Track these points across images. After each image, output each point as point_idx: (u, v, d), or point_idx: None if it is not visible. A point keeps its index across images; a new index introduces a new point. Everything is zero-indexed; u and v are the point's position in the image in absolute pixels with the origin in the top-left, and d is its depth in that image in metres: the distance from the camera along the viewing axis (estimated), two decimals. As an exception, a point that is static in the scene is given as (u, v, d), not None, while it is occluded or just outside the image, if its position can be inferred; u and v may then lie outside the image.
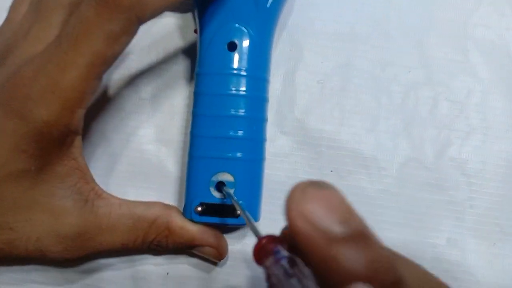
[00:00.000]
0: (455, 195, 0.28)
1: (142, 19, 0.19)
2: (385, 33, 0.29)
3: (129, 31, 0.19)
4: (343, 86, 0.29)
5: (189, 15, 0.29)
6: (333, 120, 0.28)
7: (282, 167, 0.28)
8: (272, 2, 0.25)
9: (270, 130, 0.28)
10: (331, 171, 0.28)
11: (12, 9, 0.24)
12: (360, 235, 0.12)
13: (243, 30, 0.25)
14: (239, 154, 0.24)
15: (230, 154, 0.24)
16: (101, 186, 0.25)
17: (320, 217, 0.12)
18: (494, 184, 0.28)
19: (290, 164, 0.28)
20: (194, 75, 0.25)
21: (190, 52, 0.29)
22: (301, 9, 0.29)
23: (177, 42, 0.29)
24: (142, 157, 0.28)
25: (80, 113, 0.21)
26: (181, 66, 0.29)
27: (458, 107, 0.29)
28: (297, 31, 0.29)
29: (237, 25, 0.25)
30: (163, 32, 0.29)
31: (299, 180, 0.28)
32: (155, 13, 0.19)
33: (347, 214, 0.13)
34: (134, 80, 0.29)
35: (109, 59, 0.20)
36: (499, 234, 0.28)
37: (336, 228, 0.12)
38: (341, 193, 0.14)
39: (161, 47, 0.29)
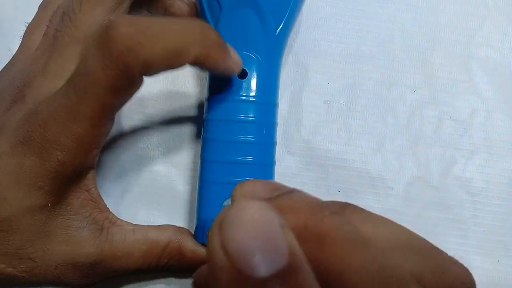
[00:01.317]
0: (460, 213, 0.29)
1: (147, 75, 0.20)
2: (390, 54, 0.30)
3: (136, 85, 0.20)
4: (349, 106, 0.29)
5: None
6: (340, 140, 0.29)
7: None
8: (280, 30, 0.25)
9: (278, 150, 0.29)
10: (339, 191, 0.29)
11: (26, 36, 0.25)
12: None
13: (252, 58, 0.25)
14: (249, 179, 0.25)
15: (240, 179, 0.25)
16: (113, 208, 0.26)
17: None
18: (497, 202, 0.29)
19: (298, 184, 0.29)
20: (204, 100, 0.26)
21: (200, 77, 0.29)
22: (307, 30, 0.30)
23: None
24: (153, 178, 0.29)
25: (95, 152, 0.21)
26: (191, 89, 0.29)
27: (463, 126, 0.29)
28: (303, 52, 0.30)
29: (246, 52, 0.25)
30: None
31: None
32: (159, 71, 0.20)
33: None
34: (144, 101, 0.29)
35: (119, 106, 0.20)
36: (502, 251, 0.28)
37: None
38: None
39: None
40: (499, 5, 0.31)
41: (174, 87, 0.29)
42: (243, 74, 0.25)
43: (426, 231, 0.28)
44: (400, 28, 0.30)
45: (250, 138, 0.25)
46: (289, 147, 0.29)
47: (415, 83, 0.30)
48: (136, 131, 0.29)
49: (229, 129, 0.25)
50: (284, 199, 0.14)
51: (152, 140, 0.29)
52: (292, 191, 0.15)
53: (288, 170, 0.29)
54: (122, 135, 0.29)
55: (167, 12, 0.28)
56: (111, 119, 0.21)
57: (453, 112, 0.30)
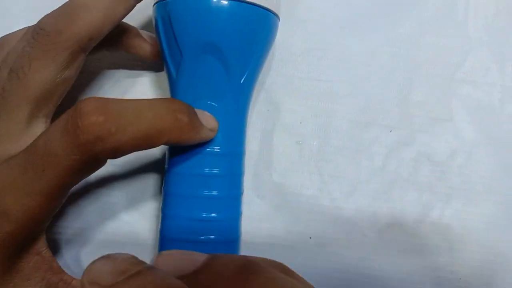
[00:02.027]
0: (436, 261, 0.28)
1: (113, 158, 0.19)
2: (366, 92, 0.29)
3: (99, 166, 0.19)
4: (322, 147, 0.28)
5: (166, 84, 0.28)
6: (312, 184, 0.28)
7: (258, 233, 0.28)
8: (246, 78, 0.24)
9: (247, 194, 0.28)
10: (310, 237, 0.28)
11: None
12: None
13: (215, 107, 0.24)
14: (212, 237, 0.24)
15: (202, 237, 0.24)
16: (74, 257, 0.25)
17: None
18: (475, 249, 0.28)
19: (267, 230, 0.28)
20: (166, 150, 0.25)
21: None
22: (279, 66, 0.29)
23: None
24: (116, 225, 0.28)
25: (46, 222, 0.20)
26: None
27: (441, 168, 0.28)
28: (275, 89, 0.29)
29: (209, 102, 0.24)
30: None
31: (277, 247, 0.28)
32: (127, 154, 0.19)
33: None
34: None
35: (78, 182, 0.20)
36: (479, 300, 0.28)
37: None
38: None
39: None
40: (482, 38, 0.29)
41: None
42: (207, 125, 0.24)
43: (400, 279, 0.27)
44: (377, 64, 0.29)
45: (215, 193, 0.24)
46: (259, 191, 0.28)
47: (391, 123, 0.28)
48: (99, 177, 0.28)
49: (192, 183, 0.24)
50: (128, 284, 0.14)
51: (116, 187, 0.28)
52: (141, 273, 0.14)
53: (257, 215, 0.28)
54: (85, 182, 0.28)
55: (128, 52, 0.26)
56: (68, 193, 0.20)
57: (431, 153, 0.28)
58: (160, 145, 0.20)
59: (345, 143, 0.28)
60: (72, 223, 0.28)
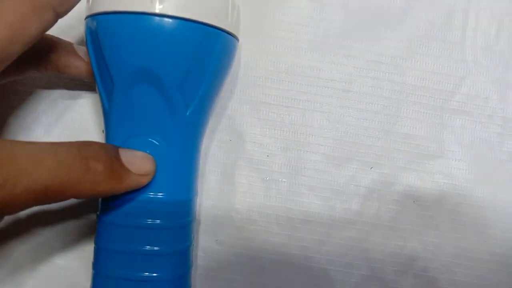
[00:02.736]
0: (420, 320, 0.24)
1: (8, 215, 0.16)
2: (343, 122, 0.25)
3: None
4: (291, 187, 0.25)
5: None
6: (279, 229, 0.24)
7: (217, 284, 0.24)
8: (193, 110, 0.20)
9: (204, 239, 0.24)
10: (276, 291, 0.24)
11: None
12: None
13: (156, 145, 0.20)
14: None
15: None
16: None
17: None
18: (465, 307, 0.24)
19: (227, 281, 0.24)
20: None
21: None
22: (243, 91, 0.25)
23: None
24: (52, 272, 0.24)
25: None
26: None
27: (429, 213, 0.25)
28: (239, 117, 0.25)
29: (149, 139, 0.20)
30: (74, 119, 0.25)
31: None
32: (16, 211, 0.16)
33: None
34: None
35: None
36: None
37: None
38: None
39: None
40: (481, 61, 0.25)
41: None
42: (146, 167, 0.20)
43: None
44: (357, 91, 0.25)
45: (156, 248, 0.20)
46: (218, 235, 0.24)
47: (372, 159, 0.25)
48: (32, 217, 0.24)
49: (128, 236, 0.20)
50: None
51: (50, 225, 0.24)
52: None
53: (215, 263, 0.24)
54: (17, 223, 0.24)
55: (61, 72, 0.22)
56: None
57: (418, 195, 0.25)
58: (67, 199, 0.16)
59: (317, 181, 0.25)
60: (1, 269, 0.24)
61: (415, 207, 0.25)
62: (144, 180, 0.19)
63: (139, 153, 0.19)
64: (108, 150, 0.18)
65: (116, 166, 0.18)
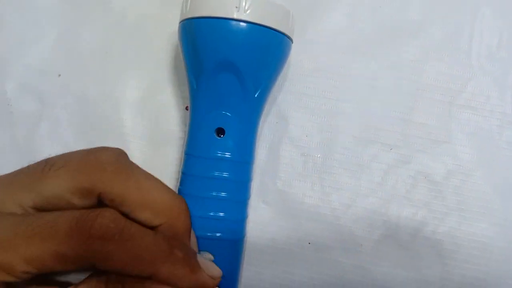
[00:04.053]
0: (428, 274, 0.30)
1: None
2: (369, 111, 0.31)
3: None
4: (325, 161, 0.31)
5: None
6: (314, 194, 0.30)
7: (262, 235, 0.30)
8: (259, 93, 0.27)
9: (253, 199, 0.30)
10: (309, 243, 0.30)
11: None
12: None
13: (230, 117, 0.27)
14: (219, 234, 0.26)
15: (209, 234, 0.26)
16: None
17: None
18: (467, 266, 0.29)
19: (270, 234, 0.30)
20: (180, 151, 0.28)
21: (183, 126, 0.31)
22: (290, 84, 0.31)
23: (172, 113, 0.32)
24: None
25: None
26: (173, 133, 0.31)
27: (437, 187, 0.30)
28: (285, 105, 0.31)
29: (225, 112, 0.27)
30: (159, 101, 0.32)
31: (278, 250, 0.30)
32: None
33: None
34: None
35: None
36: (468, 316, 0.29)
37: None
38: None
39: (153, 115, 0.32)
40: (484, 67, 0.31)
41: (156, 133, 0.31)
42: (221, 132, 0.27)
43: (392, 289, 0.29)
44: (381, 86, 0.31)
45: (223, 194, 0.27)
46: (264, 197, 0.31)
47: (392, 142, 0.31)
48: None
49: (203, 185, 0.27)
50: None
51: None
52: None
53: (261, 219, 0.30)
54: None
55: None
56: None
57: (428, 173, 0.30)
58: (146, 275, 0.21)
59: (347, 158, 0.31)
60: None
61: (426, 182, 0.30)
62: (210, 283, 0.23)
63: (209, 262, 0.24)
64: (190, 248, 0.24)
65: (193, 259, 0.23)
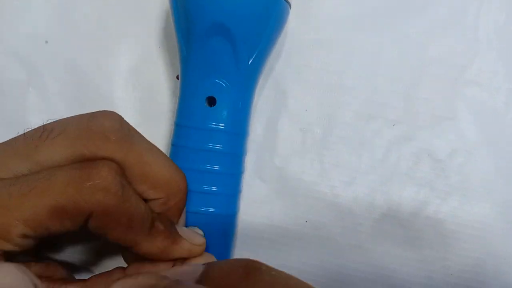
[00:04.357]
0: (428, 254, 0.29)
1: None
2: (372, 85, 0.30)
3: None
4: (325, 137, 0.29)
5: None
6: (312, 171, 0.29)
7: (258, 213, 0.29)
8: (253, 60, 0.25)
9: (249, 175, 0.29)
10: (306, 221, 0.29)
11: None
12: None
13: (223, 86, 0.25)
14: (211, 209, 0.25)
15: (202, 209, 0.25)
16: None
17: None
18: (468, 246, 0.29)
19: (266, 212, 0.29)
20: (172, 123, 0.26)
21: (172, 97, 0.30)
22: (289, 55, 0.30)
23: (165, 84, 0.30)
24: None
25: None
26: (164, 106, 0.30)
27: (440, 166, 0.29)
28: (284, 77, 0.30)
29: (217, 80, 0.25)
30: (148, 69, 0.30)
31: (274, 228, 0.29)
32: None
33: None
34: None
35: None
36: (468, 297, 0.28)
37: None
38: None
39: (146, 86, 0.30)
40: (491, 42, 0.30)
41: (149, 105, 0.30)
42: (213, 102, 0.25)
43: (391, 269, 0.28)
44: (386, 60, 0.30)
45: (216, 168, 0.25)
46: (261, 174, 0.29)
47: (395, 118, 0.30)
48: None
49: (196, 157, 0.25)
50: None
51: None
52: (170, 286, 0.15)
53: (258, 196, 0.29)
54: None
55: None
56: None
57: (432, 150, 0.29)
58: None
59: (347, 133, 0.29)
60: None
61: (429, 160, 0.29)
62: (197, 250, 0.23)
63: (190, 230, 0.24)
64: (168, 219, 0.22)
65: (173, 230, 0.22)
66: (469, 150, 0.29)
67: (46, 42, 0.31)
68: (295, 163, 0.29)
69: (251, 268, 0.15)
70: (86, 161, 0.20)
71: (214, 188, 0.25)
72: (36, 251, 0.23)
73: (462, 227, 0.29)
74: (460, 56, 0.30)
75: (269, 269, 0.16)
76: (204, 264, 0.17)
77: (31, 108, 0.31)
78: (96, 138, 0.20)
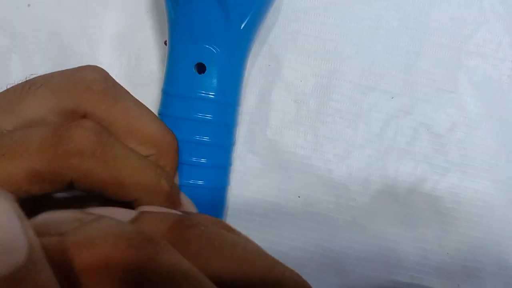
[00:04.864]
0: (424, 233, 0.28)
1: None
2: (371, 55, 0.28)
3: None
4: (320, 108, 0.28)
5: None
6: (306, 144, 0.28)
7: (250, 188, 0.28)
8: (246, 24, 0.24)
9: (240, 148, 0.28)
10: (299, 196, 0.28)
11: None
12: None
13: (213, 52, 0.24)
14: (201, 182, 0.24)
15: (191, 181, 0.24)
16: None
17: None
18: (465, 224, 0.28)
19: (258, 186, 0.28)
20: (160, 92, 0.25)
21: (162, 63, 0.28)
22: (284, 22, 0.29)
23: (153, 51, 0.29)
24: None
25: None
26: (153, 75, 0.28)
27: (440, 140, 0.28)
28: (278, 45, 0.29)
29: (207, 45, 0.24)
30: (137, 36, 0.29)
31: (266, 203, 0.28)
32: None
33: None
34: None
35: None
36: (463, 276, 0.28)
37: None
38: None
39: (133, 53, 0.29)
40: (497, 11, 0.29)
41: (136, 72, 0.28)
42: (202, 69, 0.24)
43: (387, 247, 0.28)
44: (385, 28, 0.28)
45: (205, 138, 0.24)
46: (252, 146, 0.28)
47: (394, 89, 0.28)
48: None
49: (184, 127, 0.24)
50: (84, 230, 0.13)
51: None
52: (97, 219, 0.13)
53: (249, 170, 0.28)
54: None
55: None
56: None
57: (431, 124, 0.28)
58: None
59: (344, 105, 0.28)
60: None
61: (428, 134, 0.28)
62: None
63: (189, 201, 0.22)
64: (175, 183, 0.21)
65: (177, 194, 0.21)
66: (470, 125, 0.28)
67: (29, 5, 0.30)
68: (288, 136, 0.28)
69: (181, 221, 0.15)
70: (61, 122, 0.18)
71: (203, 160, 0.24)
72: None
73: (460, 205, 0.28)
74: (463, 25, 0.29)
75: (199, 224, 0.15)
76: (138, 211, 0.16)
77: (14, 74, 0.29)
78: (79, 89, 0.19)
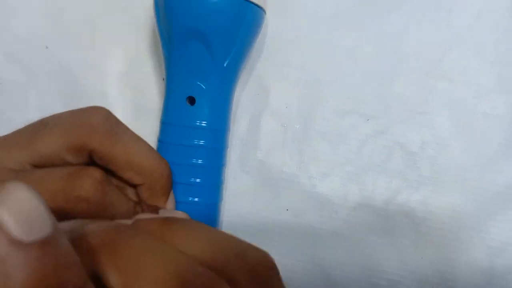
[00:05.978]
0: (400, 240, 0.31)
1: None
2: (349, 82, 0.32)
3: None
4: (304, 132, 0.32)
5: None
6: (292, 163, 0.31)
7: (242, 204, 0.32)
8: (228, 62, 0.27)
9: (233, 168, 0.32)
10: (287, 210, 0.31)
11: None
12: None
13: (201, 87, 0.28)
14: (196, 199, 0.28)
15: (189, 199, 0.28)
16: None
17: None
18: (438, 233, 0.31)
19: (250, 202, 0.32)
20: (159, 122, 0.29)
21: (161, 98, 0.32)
22: (269, 53, 0.32)
23: (155, 84, 0.32)
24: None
25: None
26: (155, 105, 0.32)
27: (413, 157, 0.31)
28: (265, 75, 0.32)
29: (197, 82, 0.27)
30: (139, 72, 0.33)
31: (257, 217, 0.32)
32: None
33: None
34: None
35: None
36: (438, 280, 0.31)
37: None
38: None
39: (137, 86, 0.32)
40: (464, 38, 0.32)
41: (139, 103, 0.32)
42: (193, 101, 0.28)
43: (366, 254, 0.31)
44: (362, 57, 0.32)
45: (199, 161, 0.28)
46: (244, 167, 0.32)
47: (370, 112, 0.32)
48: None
49: (181, 152, 0.28)
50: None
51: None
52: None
53: (241, 188, 0.32)
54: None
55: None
56: None
57: (404, 143, 0.31)
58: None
59: (325, 128, 0.32)
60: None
61: (402, 152, 0.31)
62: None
63: (170, 211, 0.27)
64: (152, 205, 0.26)
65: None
66: (440, 142, 0.31)
67: (47, 47, 0.34)
68: (277, 156, 0.32)
69: (167, 219, 0.19)
70: (74, 170, 0.23)
71: (198, 180, 0.28)
72: None
73: (433, 215, 0.31)
74: (433, 51, 0.32)
75: (182, 220, 0.19)
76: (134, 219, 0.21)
77: (30, 107, 0.33)
78: (86, 130, 0.23)
